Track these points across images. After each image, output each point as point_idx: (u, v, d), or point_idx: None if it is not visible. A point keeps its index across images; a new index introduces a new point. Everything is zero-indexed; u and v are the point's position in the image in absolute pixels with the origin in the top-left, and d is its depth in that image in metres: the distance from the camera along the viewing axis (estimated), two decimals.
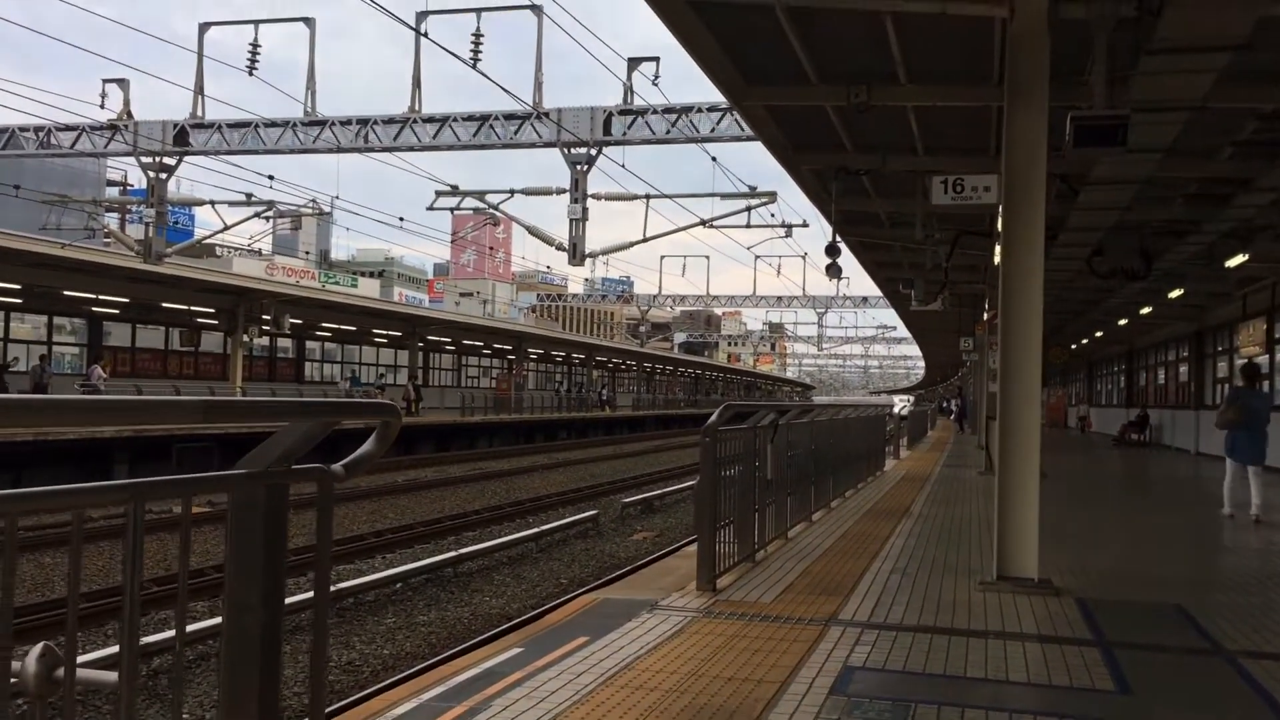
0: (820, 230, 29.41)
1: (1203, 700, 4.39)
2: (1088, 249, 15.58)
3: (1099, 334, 33.21)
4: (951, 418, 48.47)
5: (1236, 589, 6.98)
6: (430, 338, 43.13)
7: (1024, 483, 6.88)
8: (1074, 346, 37.19)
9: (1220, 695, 4.47)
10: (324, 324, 36.87)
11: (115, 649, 7.40)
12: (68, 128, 25.87)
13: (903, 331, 63.43)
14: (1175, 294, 20.80)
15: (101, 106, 24.50)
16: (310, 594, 8.75)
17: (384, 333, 40.76)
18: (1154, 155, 9.70)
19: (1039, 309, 6.93)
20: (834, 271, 16.11)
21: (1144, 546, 9.24)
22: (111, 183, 58.83)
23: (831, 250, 15.52)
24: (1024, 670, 4.75)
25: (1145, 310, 24.57)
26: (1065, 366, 44.66)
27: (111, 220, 37.59)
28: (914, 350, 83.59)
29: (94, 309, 29.05)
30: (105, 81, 24.95)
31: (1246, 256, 15.76)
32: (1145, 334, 31.53)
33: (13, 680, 1.76)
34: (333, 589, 9.92)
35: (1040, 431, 7.04)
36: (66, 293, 26.14)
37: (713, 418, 6.41)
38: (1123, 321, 27.96)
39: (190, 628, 7.92)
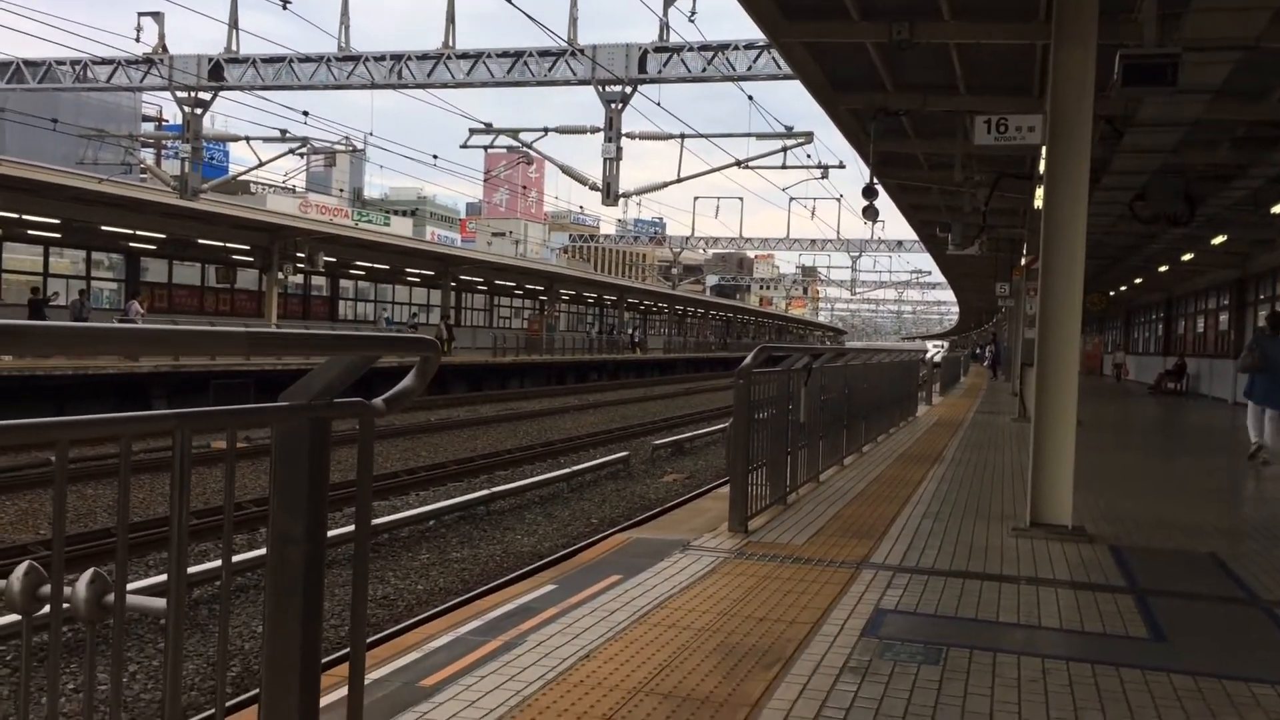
0: (857, 172, 29.04)
1: (1238, 648, 4.37)
2: (1130, 193, 15.31)
3: (1138, 281, 32.76)
4: (985, 364, 48.14)
5: (1272, 538, 6.93)
6: (462, 277, 43.20)
7: (1060, 429, 6.82)
8: (1112, 294, 36.72)
9: (1256, 643, 4.45)
10: (358, 263, 37.02)
11: (161, 578, 7.56)
12: (104, 61, 25.91)
13: (937, 276, 62.92)
14: (1218, 240, 20.45)
15: (137, 40, 24.54)
16: (350, 528, 8.88)
17: (417, 272, 40.85)
18: (1203, 96, 9.47)
19: (1081, 254, 6.82)
20: (871, 214, 15.92)
21: (1179, 494, 9.17)
22: (147, 118, 58.97)
23: (869, 192, 15.32)
24: (1056, 616, 4.74)
25: (1187, 257, 24.19)
26: (1103, 314, 44.13)
27: (147, 155, 37.75)
28: (948, 296, 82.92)
29: (131, 245, 29.28)
30: (140, 15, 24.90)
31: None
32: (1185, 281, 31.05)
33: (64, 606, 1.79)
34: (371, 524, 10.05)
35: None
36: (104, 228, 26.34)
37: (747, 360, 6.38)
38: (1163, 268, 27.56)
39: (235, 558, 8.06)
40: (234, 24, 24.57)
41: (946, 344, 74.92)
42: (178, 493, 1.88)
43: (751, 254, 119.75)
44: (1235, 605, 5.11)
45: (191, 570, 7.59)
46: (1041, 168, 8.05)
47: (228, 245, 30.61)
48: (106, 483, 12.49)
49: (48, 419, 1.68)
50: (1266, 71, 10.45)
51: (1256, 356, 11.72)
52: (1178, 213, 15.17)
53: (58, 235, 27.21)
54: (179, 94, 25.40)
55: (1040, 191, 8.38)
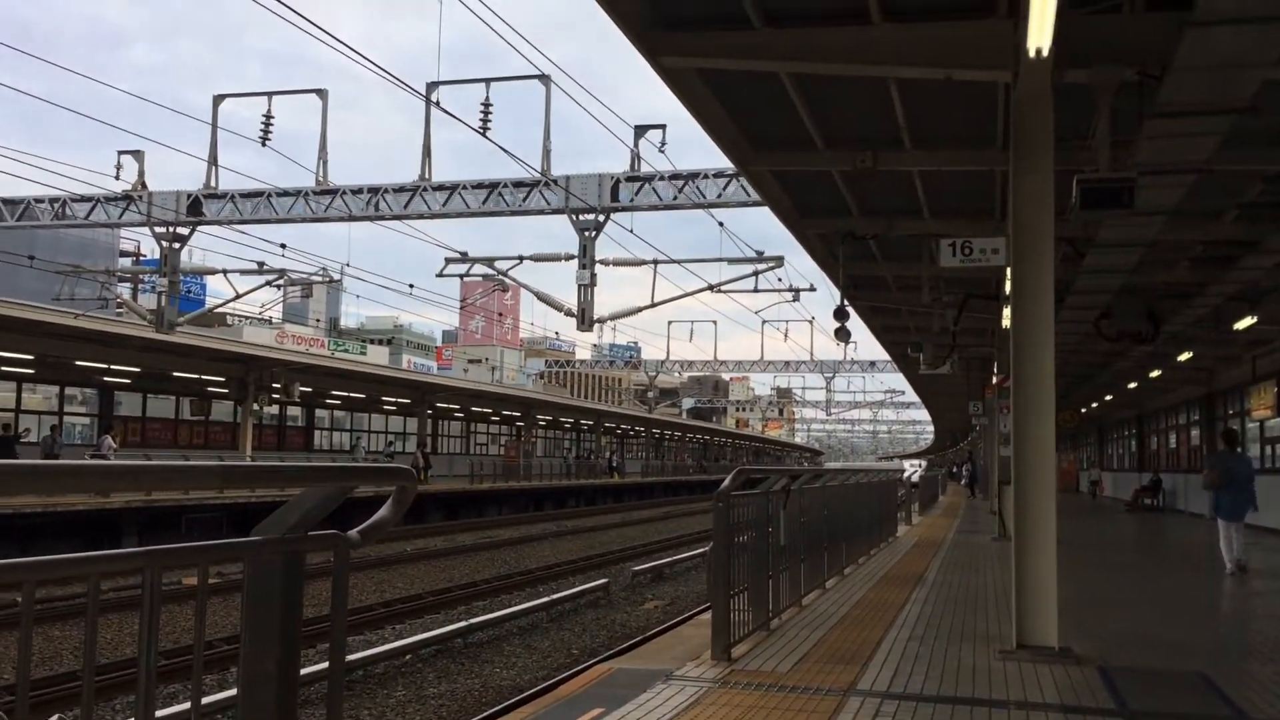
0: (828, 294, 29.49)
1: None
2: (1095, 312, 15.61)
3: (1109, 397, 33.11)
4: (963, 483, 48.15)
5: (1260, 656, 6.87)
6: (439, 405, 43.14)
7: (1041, 548, 6.79)
8: (1084, 410, 37.07)
9: None
10: (333, 391, 36.95)
11: None
12: (83, 198, 26.21)
13: (911, 396, 63.38)
14: (1184, 357, 20.77)
15: (116, 178, 24.86)
16: (324, 664, 8.64)
17: (393, 400, 40.79)
18: (1160, 218, 9.75)
19: (1050, 371, 6.91)
20: (843, 335, 16.13)
21: (1164, 612, 9.11)
22: (124, 253, 59.44)
23: (840, 314, 15.55)
24: None
25: (1154, 373, 24.51)
26: (1075, 431, 44.48)
27: (124, 290, 37.91)
28: (923, 415, 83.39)
29: (106, 379, 29.16)
30: (120, 153, 25.32)
31: (1255, 319, 15.77)
32: (1155, 397, 31.41)
33: None
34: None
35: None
36: (79, 363, 26.25)
37: (725, 482, 6.37)
38: (1132, 385, 27.89)
39: (205, 700, 7.81)
40: (213, 160, 25.01)
41: (924, 463, 75.00)
42: (146, 632, 1.85)
43: (726, 376, 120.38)
44: None
45: (161, 714, 7.34)
46: (1008, 288, 8.23)
47: (203, 377, 30.53)
48: (74, 623, 12.16)
49: (13, 560, 1.66)
50: (1220, 193, 10.80)
51: (1218, 473, 12.19)
52: (1142, 331, 15.44)
53: (31, 371, 27.08)
54: (157, 229, 25.66)
55: (1008, 311, 8.54)
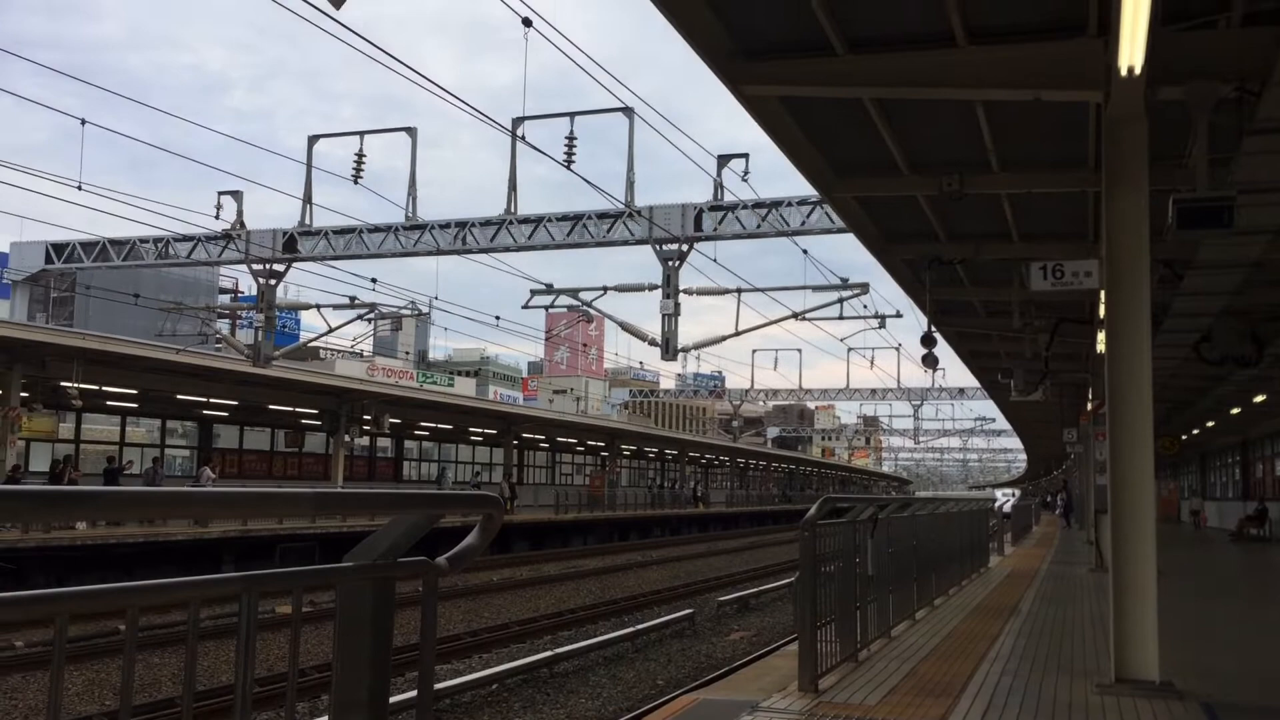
0: (915, 320, 29.14)
1: None
2: (1195, 335, 15.12)
3: (1210, 424, 31.98)
4: (1057, 513, 46.87)
5: None
6: (524, 435, 43.53)
7: (1140, 579, 6.57)
8: (1184, 437, 35.86)
9: None
10: (422, 423, 37.53)
11: None
12: (184, 238, 27.19)
13: (1002, 423, 62.01)
14: None
15: (216, 217, 25.71)
16: (412, 694, 8.74)
17: (480, 431, 41.29)
18: (1262, 237, 9.43)
19: (1148, 397, 6.71)
20: (930, 362, 15.90)
21: (1271, 646, 8.72)
22: (223, 290, 61.42)
23: (927, 340, 15.33)
24: None
25: (1259, 398, 23.62)
26: (1176, 458, 43.02)
27: (223, 325, 39.14)
28: (1014, 443, 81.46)
29: (205, 412, 30.07)
30: (220, 194, 26.21)
31: None
32: (1260, 423, 30.25)
33: None
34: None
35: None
36: (179, 396, 27.13)
37: (811, 511, 6.30)
38: (1236, 410, 26.91)
39: None
40: (308, 199, 25.75)
41: (1016, 491, 73.26)
42: (243, 658, 1.89)
43: (812, 405, 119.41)
44: None
45: None
46: (1102, 312, 8.03)
47: (297, 410, 31.29)
48: (172, 650, 12.49)
49: (116, 585, 1.71)
50: None
51: None
52: (1245, 354, 14.92)
53: (135, 405, 28.05)
54: (254, 266, 26.48)
55: (1102, 336, 8.33)
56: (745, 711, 5.68)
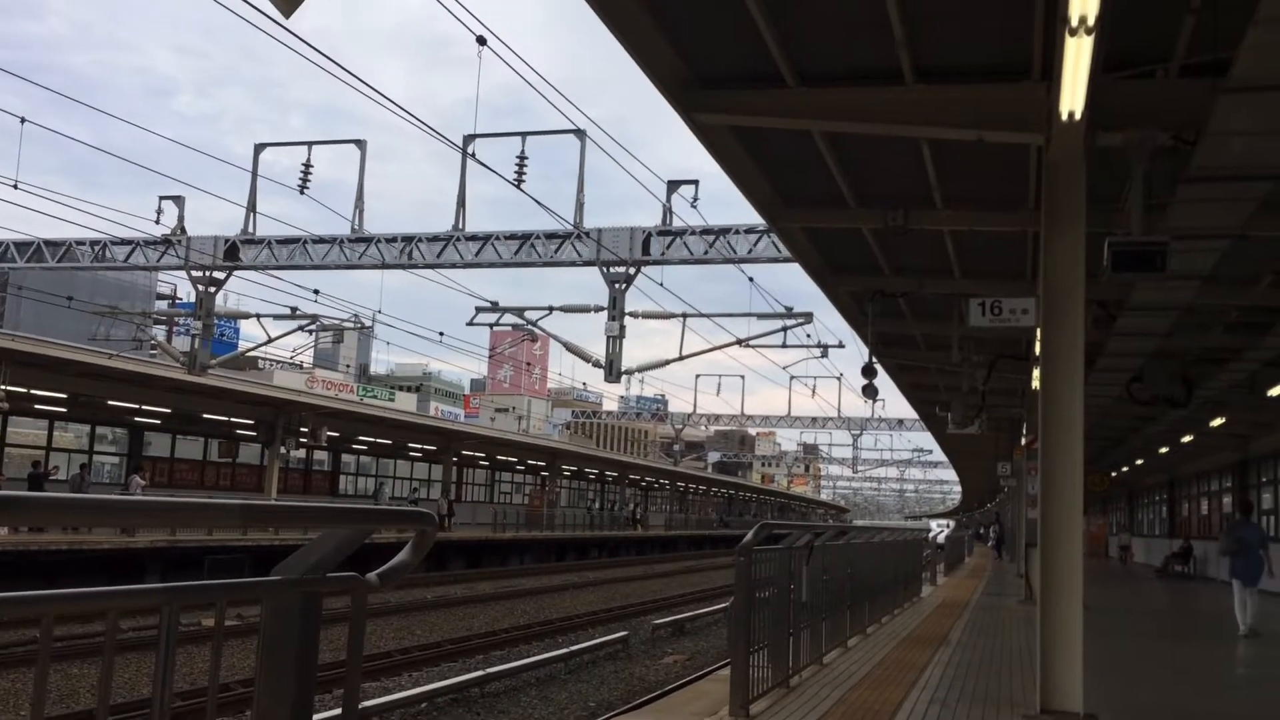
0: (857, 351, 29.37)
1: None
2: (1127, 375, 15.48)
3: (1140, 462, 32.71)
4: (990, 544, 47.52)
5: None
6: (465, 452, 43.21)
7: (1067, 612, 6.69)
8: (1114, 474, 36.60)
9: None
10: (361, 437, 37.09)
11: None
12: (123, 241, 26.65)
13: (939, 455, 62.87)
14: (1217, 422, 20.53)
15: (157, 222, 25.23)
16: (337, 711, 8.58)
17: (419, 447, 40.91)
18: (1193, 282, 9.70)
19: (1079, 434, 6.85)
20: (870, 392, 16.07)
21: (1190, 680, 8.91)
22: (161, 296, 60.32)
23: (868, 371, 15.50)
24: None
25: (1187, 438, 24.21)
26: (1105, 495, 43.88)
27: (159, 332, 38.40)
28: (950, 475, 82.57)
29: (136, 419, 29.44)
30: (162, 198, 25.75)
31: None
32: (1188, 462, 30.98)
33: None
34: (360, 707, 9.72)
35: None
36: (110, 402, 26.54)
37: (748, 537, 6.33)
38: (1164, 449, 27.55)
39: None
40: (252, 207, 25.39)
41: (951, 523, 74.16)
42: (162, 671, 1.85)
43: (753, 431, 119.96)
44: None
45: None
46: (1037, 349, 8.18)
47: (232, 419, 30.76)
48: (92, 661, 12.16)
49: (33, 592, 1.67)
50: (1256, 257, 10.72)
51: (1231, 541, 13.28)
52: (1175, 395, 15.29)
53: (64, 410, 27.39)
54: (194, 273, 26.03)
55: (1037, 372, 8.49)
56: None
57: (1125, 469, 35.88)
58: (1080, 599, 6.73)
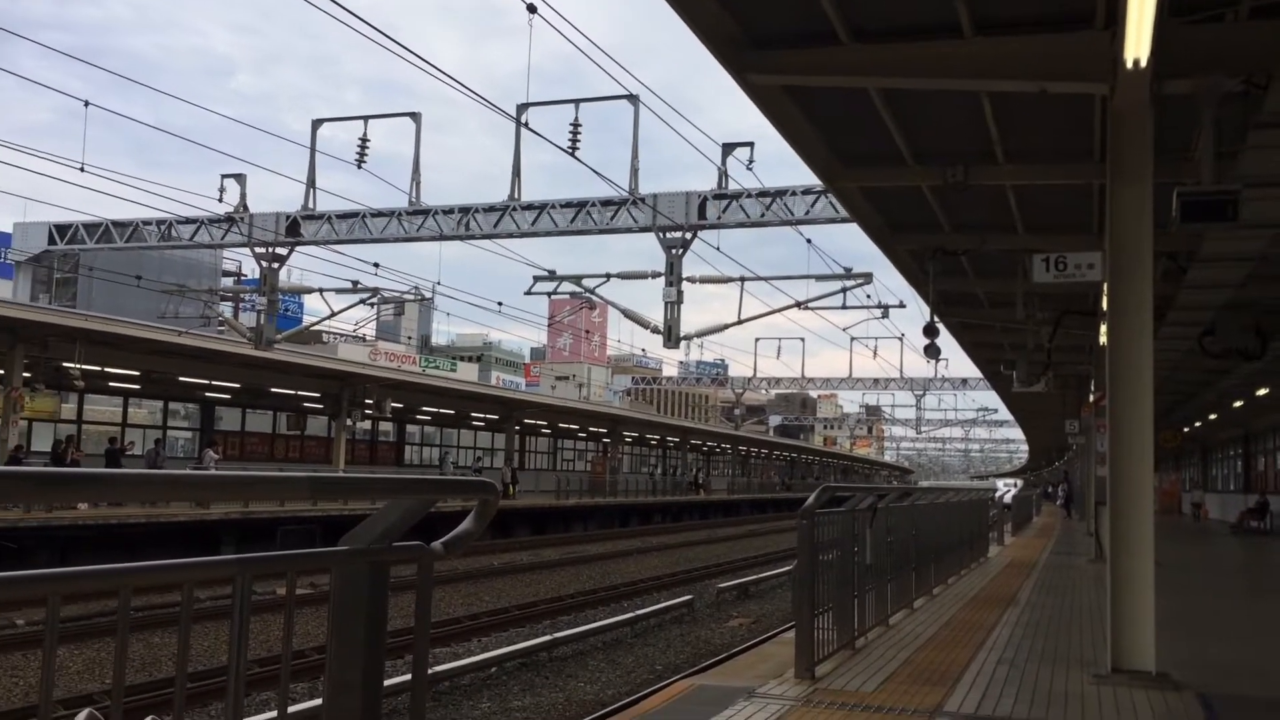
0: (918, 311, 29.02)
1: None
2: (1198, 328, 15.11)
3: (1213, 416, 31.97)
4: (1058, 503, 46.93)
5: None
6: (526, 421, 43.58)
7: (1138, 570, 6.59)
8: (1186, 430, 35.85)
9: None
10: (424, 408, 37.58)
11: None
12: (187, 220, 27.19)
13: (1004, 414, 62.00)
14: None
15: (220, 200, 25.71)
16: (408, 676, 8.77)
17: (482, 416, 41.34)
18: (1267, 230, 9.41)
19: (1149, 390, 6.71)
20: (932, 352, 15.89)
21: (1269, 638, 8.74)
22: (227, 273, 61.33)
23: (930, 331, 15.32)
24: None
25: (1262, 391, 23.61)
26: (1178, 451, 43.04)
27: (226, 308, 39.14)
28: (1016, 434, 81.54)
29: (207, 394, 30.11)
30: (224, 176, 26.18)
31: None
32: (1263, 416, 30.24)
33: None
34: (430, 671, 9.93)
35: (1153, 518, 6.78)
36: (181, 379, 27.16)
37: (810, 500, 6.32)
38: (1238, 404, 26.90)
39: (291, 709, 7.99)
40: (311, 183, 25.72)
41: (1019, 482, 73.16)
42: (236, 638, 1.90)
43: (814, 394, 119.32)
44: None
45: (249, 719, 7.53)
46: (1105, 304, 8.02)
47: (299, 393, 31.33)
48: (172, 630, 12.54)
49: (112, 565, 1.72)
50: None
51: None
52: (1249, 347, 14.89)
53: (137, 387, 28.09)
54: (257, 249, 26.48)
55: (1105, 328, 8.32)
56: (741, 697, 5.71)
57: (1198, 424, 35.12)
58: (1151, 556, 6.63)
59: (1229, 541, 24.82)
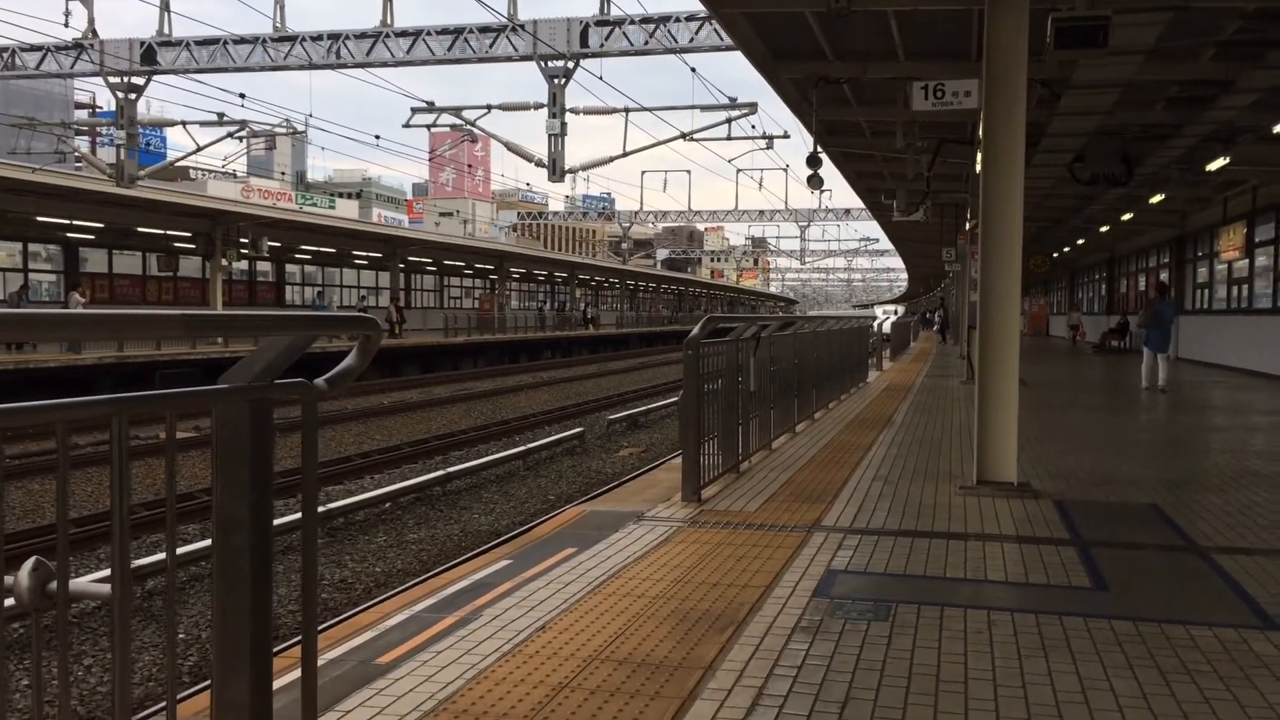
0: (802, 142, 29.12)
1: (1177, 594, 4.50)
2: (1069, 155, 15.54)
3: (1080, 241, 33.26)
4: (934, 329, 48.70)
5: (1211, 489, 7.12)
6: (411, 259, 42.84)
7: (1003, 388, 6.95)
8: (1055, 255, 37.26)
9: (1195, 589, 4.58)
10: (303, 246, 36.56)
11: (108, 571, 7.48)
12: (32, 48, 25.28)
13: (885, 244, 63.48)
14: (1156, 199, 20.82)
15: (65, 25, 23.92)
16: (299, 515, 8.83)
17: (364, 255, 40.46)
18: (1135, 57, 9.63)
19: (1019, 215, 6.93)
20: (815, 183, 16.02)
21: (1121, 449, 9.39)
22: (80, 105, 57.67)
23: (813, 161, 15.41)
24: (1003, 570, 4.86)
25: (1126, 216, 24.60)
26: (1047, 275, 44.80)
27: (82, 143, 36.96)
28: (897, 263, 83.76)
29: (69, 235, 28.70)
30: None
31: (1227, 160, 15.76)
32: (1127, 240, 31.59)
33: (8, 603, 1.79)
34: (323, 509, 10.01)
35: (1021, 339, 7.11)
36: (40, 219, 25.77)
37: (694, 331, 6.43)
38: (1104, 228, 28.00)
39: (181, 550, 8.00)
40: (165, 6, 24.06)
41: (898, 309, 75.49)
42: (117, 479, 1.88)
43: (701, 227, 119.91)
44: (1175, 553, 5.26)
45: (141, 561, 7.53)
46: (980, 132, 8.15)
47: (169, 233, 30.09)
48: (53, 476, 12.29)
49: None
50: (1197, 31, 10.62)
51: (1149, 315, 15.82)
52: (1116, 173, 15.43)
53: None
54: (111, 79, 24.86)
55: (980, 155, 8.49)
56: (631, 520, 5.92)
57: (1066, 249, 36.51)
58: (1016, 375, 6.99)
59: (1092, 361, 26.24)
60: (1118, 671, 3.48)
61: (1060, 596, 4.41)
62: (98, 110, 53.28)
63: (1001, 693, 3.29)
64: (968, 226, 19.68)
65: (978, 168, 10.14)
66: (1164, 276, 26.23)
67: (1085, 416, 12.59)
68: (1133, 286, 33.21)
